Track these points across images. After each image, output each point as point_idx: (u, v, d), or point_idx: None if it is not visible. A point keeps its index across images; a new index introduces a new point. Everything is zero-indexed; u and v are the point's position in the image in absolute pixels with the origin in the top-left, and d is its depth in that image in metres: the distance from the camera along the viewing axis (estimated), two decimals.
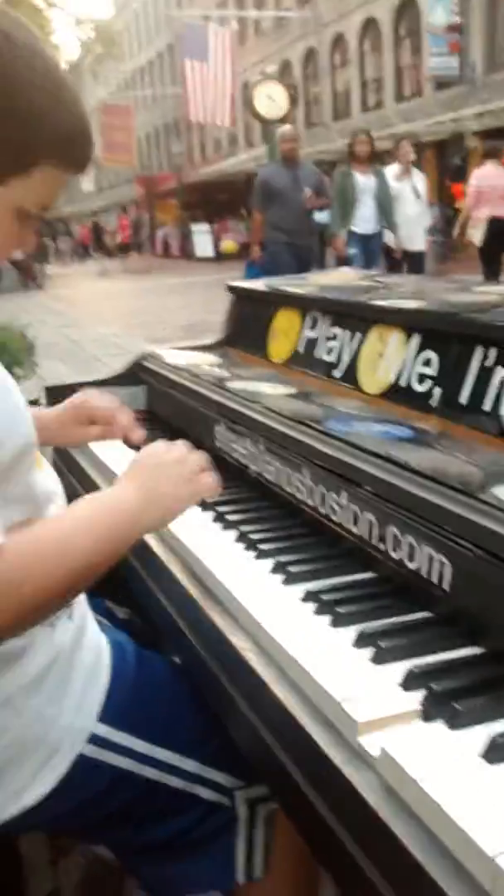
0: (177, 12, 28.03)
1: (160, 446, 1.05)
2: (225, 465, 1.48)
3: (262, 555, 1.15)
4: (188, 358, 1.97)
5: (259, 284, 2.10)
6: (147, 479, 1.00)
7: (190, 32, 20.31)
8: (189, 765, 1.07)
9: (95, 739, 1.01)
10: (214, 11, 26.68)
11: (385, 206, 7.26)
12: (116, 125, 28.81)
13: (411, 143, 7.99)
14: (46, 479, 1.05)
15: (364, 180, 7.15)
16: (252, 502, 1.35)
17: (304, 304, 1.76)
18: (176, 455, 1.04)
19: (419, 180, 7.91)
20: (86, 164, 0.98)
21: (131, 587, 1.32)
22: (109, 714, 1.03)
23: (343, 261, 6.99)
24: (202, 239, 26.33)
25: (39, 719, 0.98)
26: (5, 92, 0.87)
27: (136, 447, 1.19)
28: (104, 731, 1.02)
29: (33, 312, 11.39)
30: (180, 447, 1.05)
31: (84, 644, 1.05)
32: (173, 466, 1.02)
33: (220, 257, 24.49)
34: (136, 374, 2.05)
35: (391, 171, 7.65)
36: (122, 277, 21.67)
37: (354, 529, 1.09)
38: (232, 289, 2.13)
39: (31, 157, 0.91)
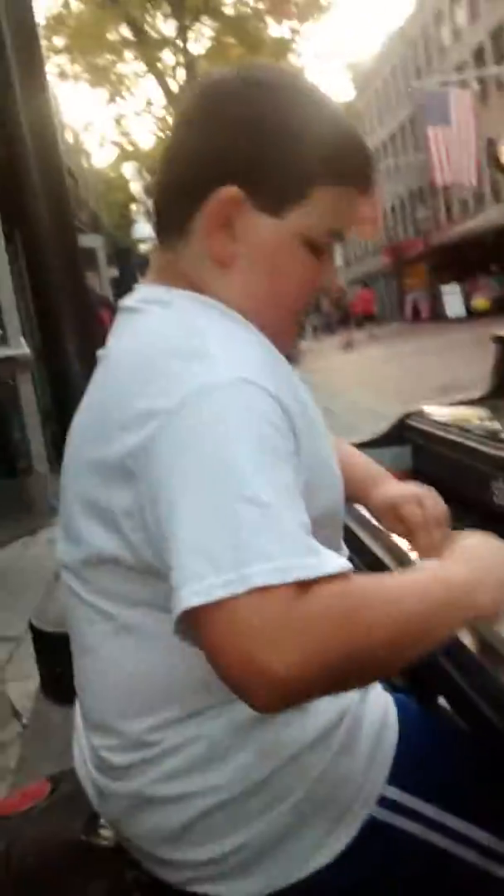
0: (417, 83, 28.52)
1: (476, 535, 0.98)
2: None
3: None
4: (454, 413, 1.90)
5: None
6: (472, 558, 0.92)
7: (431, 100, 20.57)
8: (482, 836, 0.98)
9: (385, 801, 0.95)
10: (454, 76, 26.83)
11: None
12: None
13: None
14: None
15: None
16: None
17: None
18: (494, 540, 0.97)
19: None
20: (364, 176, 0.95)
21: None
22: (398, 775, 0.97)
23: None
24: (452, 299, 26.09)
25: (328, 778, 0.93)
26: (266, 121, 0.89)
27: None
28: (394, 793, 0.96)
29: None
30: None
31: (370, 699, 1.00)
32: (497, 546, 0.95)
33: (472, 316, 24.04)
34: (401, 433, 2.01)
35: None
36: (371, 345, 21.90)
37: None
38: (498, 339, 2.04)
39: (304, 181, 0.90)
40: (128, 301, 0.98)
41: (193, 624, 0.72)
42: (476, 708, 1.03)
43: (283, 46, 22.42)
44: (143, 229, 17.29)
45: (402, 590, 0.81)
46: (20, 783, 2.02)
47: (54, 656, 2.65)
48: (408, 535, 1.27)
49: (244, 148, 0.89)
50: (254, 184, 0.89)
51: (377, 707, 1.01)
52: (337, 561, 0.76)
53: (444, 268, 29.72)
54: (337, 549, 1.01)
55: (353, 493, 1.32)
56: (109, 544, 0.86)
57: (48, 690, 2.78)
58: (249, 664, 0.70)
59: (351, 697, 0.97)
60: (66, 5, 21.11)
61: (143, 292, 0.98)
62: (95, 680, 0.96)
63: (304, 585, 0.72)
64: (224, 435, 0.76)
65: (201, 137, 0.91)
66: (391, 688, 1.15)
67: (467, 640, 1.07)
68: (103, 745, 0.96)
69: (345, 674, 0.75)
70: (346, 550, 1.06)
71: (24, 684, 2.89)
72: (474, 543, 0.96)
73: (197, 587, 0.71)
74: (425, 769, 1.00)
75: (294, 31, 22.63)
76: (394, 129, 40.84)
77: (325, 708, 0.94)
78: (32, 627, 2.85)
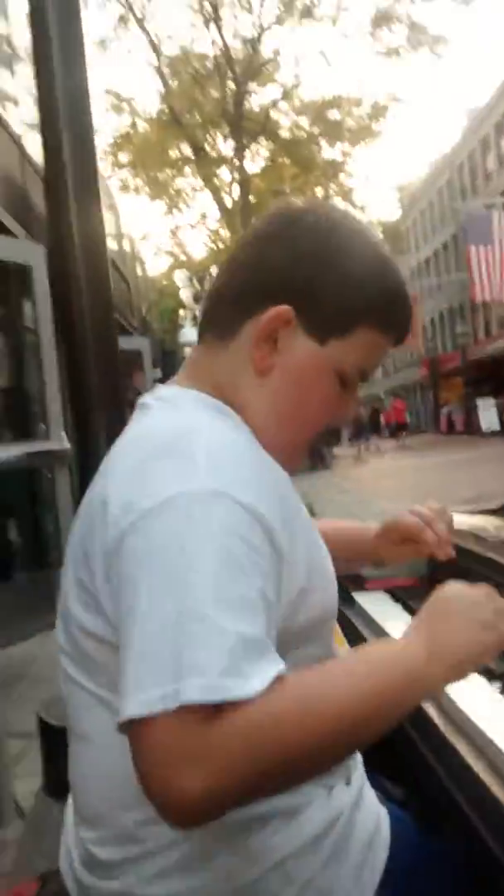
0: (461, 205, 29.49)
1: (458, 587, 0.94)
2: None
3: None
4: (472, 521, 1.88)
5: None
6: (439, 629, 0.89)
7: (474, 220, 21.22)
8: None
9: None
10: (498, 199, 27.71)
11: None
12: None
13: None
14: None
15: None
16: None
17: None
18: (475, 597, 0.92)
19: None
20: (403, 332, 1.02)
21: (408, 762, 1.22)
22: (388, 892, 0.92)
23: None
24: (488, 413, 26.16)
25: (315, 887, 0.89)
26: (335, 260, 0.96)
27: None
28: None
29: (321, 491, 11.81)
30: (484, 588, 0.94)
31: (363, 809, 0.97)
32: (472, 610, 0.90)
33: None
34: None
35: None
36: (402, 455, 21.88)
37: None
38: None
39: (353, 319, 0.97)
40: (146, 397, 1.01)
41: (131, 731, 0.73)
42: (475, 831, 0.99)
43: (334, 168, 23.42)
44: (189, 334, 17.77)
45: (347, 677, 0.81)
46: (16, 882, 1.93)
47: (58, 750, 2.58)
48: (417, 545, 1.29)
49: (307, 277, 0.96)
50: (308, 309, 0.96)
51: (370, 817, 0.98)
52: (265, 676, 0.74)
53: (481, 382, 29.95)
54: (328, 648, 1.00)
55: (356, 553, 1.38)
56: (94, 624, 0.87)
57: (50, 786, 2.70)
58: (162, 784, 0.71)
59: (342, 805, 0.95)
60: (134, 126, 22.44)
61: (161, 391, 1.01)
62: (88, 768, 0.95)
63: (223, 705, 0.72)
64: (190, 546, 0.77)
65: (269, 256, 0.97)
66: (390, 801, 1.11)
67: (471, 760, 1.04)
68: (92, 838, 0.93)
69: (259, 789, 0.77)
70: (334, 648, 1.05)
71: (33, 780, 2.81)
72: (443, 607, 0.92)
73: (138, 698, 0.72)
74: (415, 887, 0.96)
75: (345, 154, 23.66)
76: (437, 247, 42.07)
77: (316, 815, 0.92)
78: (40, 721, 2.79)
